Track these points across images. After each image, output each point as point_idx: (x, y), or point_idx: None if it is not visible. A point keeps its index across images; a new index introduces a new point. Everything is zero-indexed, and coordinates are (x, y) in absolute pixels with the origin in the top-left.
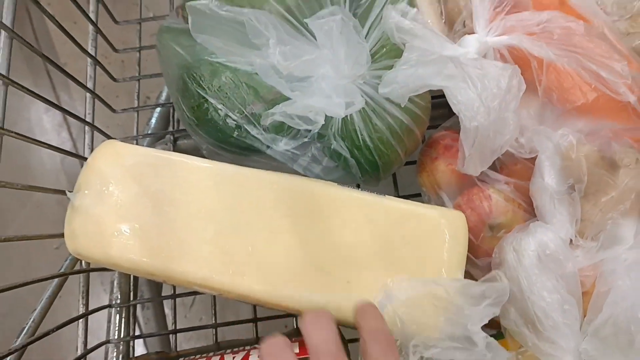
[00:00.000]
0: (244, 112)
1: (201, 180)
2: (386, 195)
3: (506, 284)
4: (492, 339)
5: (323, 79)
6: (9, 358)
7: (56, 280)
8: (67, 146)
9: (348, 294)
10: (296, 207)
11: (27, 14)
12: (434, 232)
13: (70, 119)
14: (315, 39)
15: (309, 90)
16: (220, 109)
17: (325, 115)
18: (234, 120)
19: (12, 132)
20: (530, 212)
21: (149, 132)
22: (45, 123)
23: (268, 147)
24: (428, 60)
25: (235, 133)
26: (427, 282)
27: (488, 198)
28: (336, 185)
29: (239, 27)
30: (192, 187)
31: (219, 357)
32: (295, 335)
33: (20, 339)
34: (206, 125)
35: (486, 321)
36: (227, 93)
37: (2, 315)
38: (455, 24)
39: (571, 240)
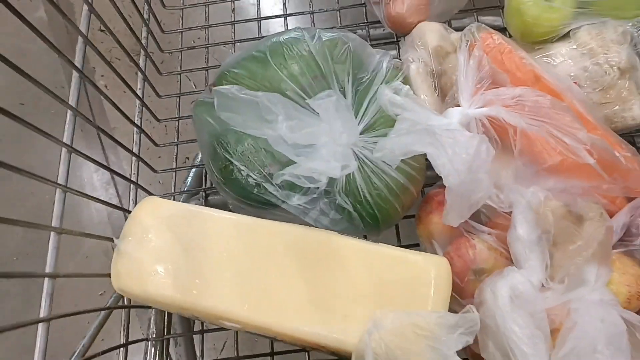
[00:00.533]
0: (262, 173)
1: (225, 229)
2: (380, 244)
3: (476, 315)
4: None
5: (323, 146)
6: None
7: (102, 314)
8: (114, 202)
9: (345, 326)
10: (303, 253)
11: (82, 84)
12: (421, 275)
13: (117, 178)
14: (317, 114)
15: (311, 155)
16: (243, 170)
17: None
18: (254, 179)
19: (73, 189)
20: (510, 259)
21: (185, 189)
22: (95, 181)
23: (283, 202)
24: (413, 130)
25: (256, 190)
26: (410, 313)
27: (473, 247)
28: (338, 235)
29: (255, 106)
30: (217, 235)
31: None
32: None
33: (76, 352)
34: (231, 183)
35: (460, 347)
36: (248, 157)
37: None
38: (447, 97)
39: (543, 284)
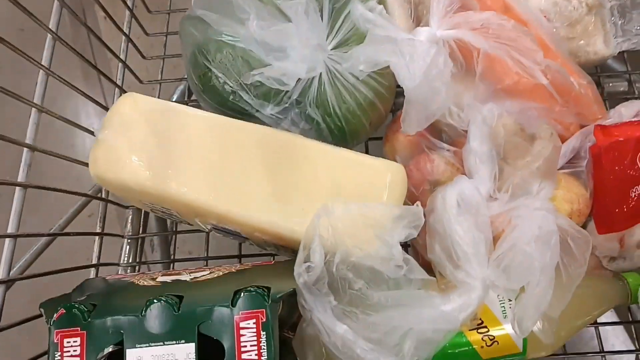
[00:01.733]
0: (238, 81)
1: (198, 125)
2: (342, 148)
3: (420, 209)
4: (410, 256)
5: (292, 49)
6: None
7: (79, 202)
8: None
9: (302, 219)
10: (269, 151)
11: (83, 14)
12: (377, 178)
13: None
14: (289, 20)
15: (281, 57)
16: (220, 78)
17: (303, 84)
18: (230, 87)
19: (47, 109)
20: (464, 173)
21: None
22: (90, 109)
23: (257, 110)
24: (378, 41)
25: (231, 97)
26: (359, 205)
27: (432, 161)
28: (303, 137)
29: (230, 6)
30: (191, 130)
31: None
32: None
33: (52, 229)
34: (209, 90)
35: (403, 238)
36: (226, 64)
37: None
38: (421, 24)
39: (490, 195)
